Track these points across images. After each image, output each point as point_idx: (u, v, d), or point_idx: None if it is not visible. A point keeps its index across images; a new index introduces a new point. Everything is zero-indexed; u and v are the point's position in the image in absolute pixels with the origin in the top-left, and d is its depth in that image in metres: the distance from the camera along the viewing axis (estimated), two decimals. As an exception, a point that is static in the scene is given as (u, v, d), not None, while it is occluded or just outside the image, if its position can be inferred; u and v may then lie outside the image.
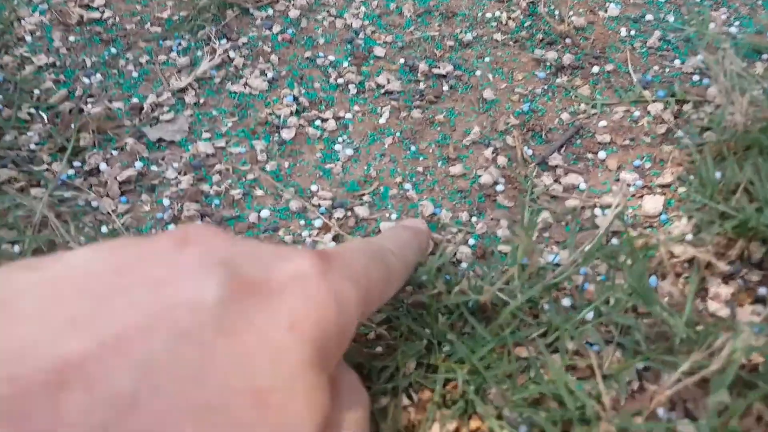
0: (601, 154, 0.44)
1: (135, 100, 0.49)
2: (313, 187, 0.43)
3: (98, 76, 0.51)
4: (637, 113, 0.46)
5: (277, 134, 0.46)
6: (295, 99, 0.48)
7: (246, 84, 0.50)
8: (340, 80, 0.50)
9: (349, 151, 0.45)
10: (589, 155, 0.44)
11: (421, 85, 0.49)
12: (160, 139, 0.46)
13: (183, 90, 0.50)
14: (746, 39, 0.49)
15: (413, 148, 0.45)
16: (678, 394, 0.30)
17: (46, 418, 0.15)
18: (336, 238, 0.40)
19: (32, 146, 0.45)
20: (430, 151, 0.45)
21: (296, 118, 0.47)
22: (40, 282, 0.18)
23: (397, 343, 0.32)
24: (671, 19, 0.52)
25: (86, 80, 0.50)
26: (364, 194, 0.43)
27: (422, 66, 0.50)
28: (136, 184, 0.44)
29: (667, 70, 0.49)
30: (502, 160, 0.44)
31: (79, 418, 0.15)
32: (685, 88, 0.47)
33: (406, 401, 0.31)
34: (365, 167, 0.44)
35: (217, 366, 0.18)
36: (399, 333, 0.33)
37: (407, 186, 0.43)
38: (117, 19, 0.55)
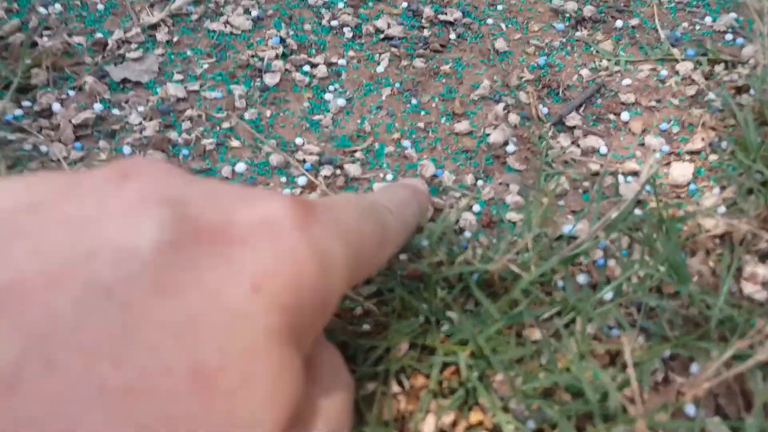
0: (624, 116, 0.39)
1: (99, 35, 0.43)
2: (298, 140, 0.38)
3: (57, 6, 0.45)
4: (664, 72, 0.41)
5: (259, 79, 0.41)
6: (282, 41, 0.43)
7: (227, 22, 0.44)
8: (334, 22, 0.44)
9: (341, 102, 0.40)
10: (611, 116, 0.39)
11: (426, 32, 0.44)
12: (124, 80, 0.41)
13: (154, 26, 0.44)
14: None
15: (414, 101, 0.40)
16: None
17: None
18: (322, 198, 0.35)
19: (-25, 81, 0.39)
20: (433, 105, 0.40)
21: (282, 62, 0.41)
22: None
23: (389, 320, 0.28)
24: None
25: (43, 10, 0.44)
26: (356, 150, 0.38)
27: (427, 11, 0.45)
28: (93, 129, 0.38)
29: (698, 27, 0.44)
30: (514, 118, 0.39)
31: None
32: (717, 47, 0.42)
33: (396, 388, 0.26)
34: (358, 120, 0.39)
35: (146, 335, 0.13)
36: (391, 308, 0.28)
37: (406, 143, 0.38)
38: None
